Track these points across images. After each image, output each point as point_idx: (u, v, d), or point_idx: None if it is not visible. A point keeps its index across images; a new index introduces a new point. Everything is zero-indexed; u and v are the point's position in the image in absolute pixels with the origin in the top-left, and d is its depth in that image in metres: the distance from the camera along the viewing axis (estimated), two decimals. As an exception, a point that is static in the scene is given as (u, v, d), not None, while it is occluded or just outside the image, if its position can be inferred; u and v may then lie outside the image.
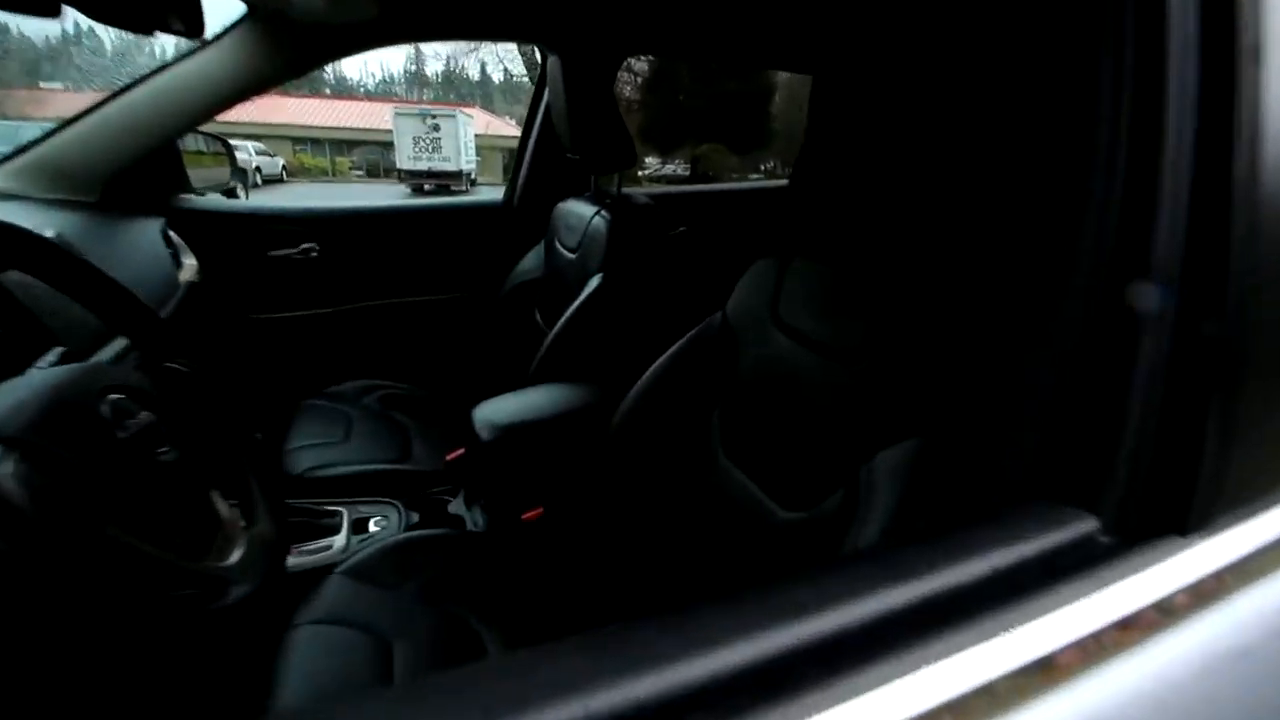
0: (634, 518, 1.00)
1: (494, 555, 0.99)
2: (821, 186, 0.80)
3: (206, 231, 1.49)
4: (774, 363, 0.84)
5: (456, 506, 1.18)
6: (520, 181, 1.80)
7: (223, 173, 1.76)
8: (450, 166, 14.08)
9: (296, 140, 20.58)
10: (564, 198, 1.56)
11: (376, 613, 0.85)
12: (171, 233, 1.45)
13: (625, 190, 1.47)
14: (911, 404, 0.66)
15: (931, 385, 0.64)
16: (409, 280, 1.75)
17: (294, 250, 1.58)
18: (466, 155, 14.76)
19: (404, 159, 14.46)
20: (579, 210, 1.44)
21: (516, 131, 1.85)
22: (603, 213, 1.35)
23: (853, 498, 0.68)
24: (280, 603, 0.83)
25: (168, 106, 1.39)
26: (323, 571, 0.98)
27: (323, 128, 20.78)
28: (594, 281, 1.30)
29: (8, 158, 1.30)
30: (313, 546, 1.02)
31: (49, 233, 1.00)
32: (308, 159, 20.33)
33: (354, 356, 1.66)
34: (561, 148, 1.46)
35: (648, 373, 1.01)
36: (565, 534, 1.06)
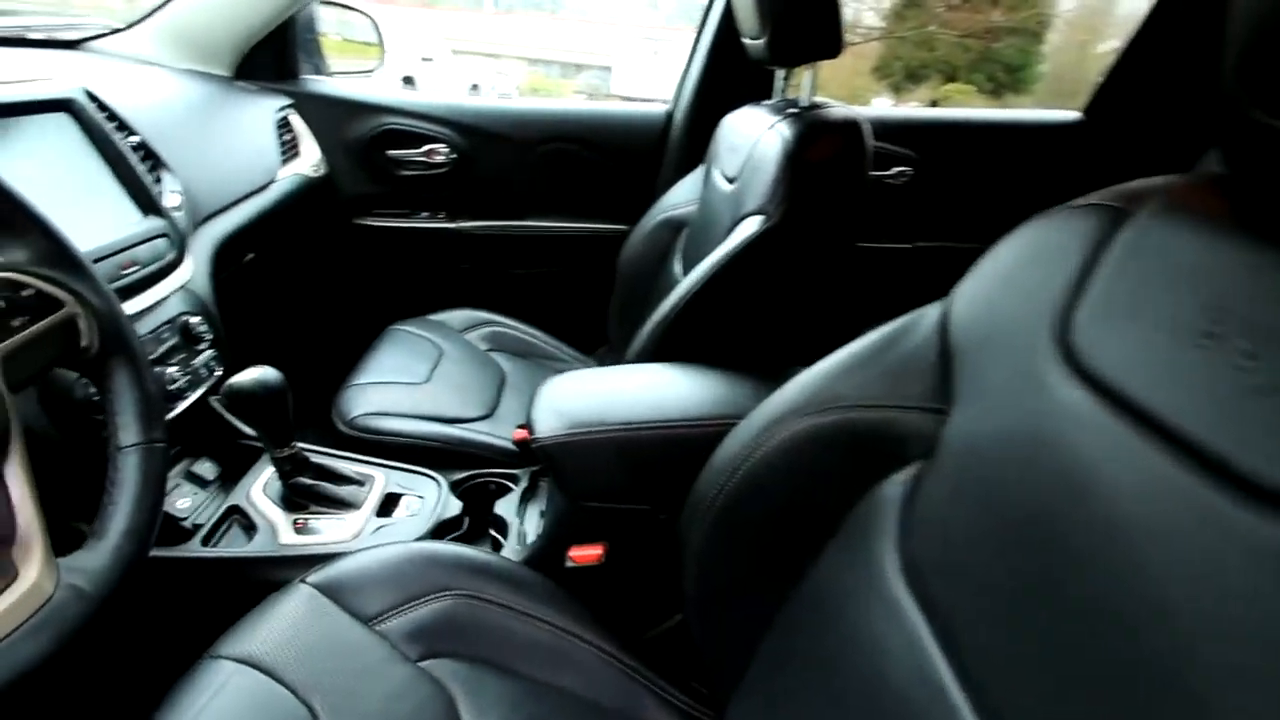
0: (721, 607, 0.63)
1: (523, 602, 0.70)
2: None
3: (328, 119, 1.33)
4: (1045, 442, 0.40)
5: (508, 506, 0.90)
6: (688, 87, 1.39)
7: (370, 62, 1.60)
8: (662, 94, 13.81)
9: (532, 61, 21.67)
10: (735, 108, 1.14)
11: (324, 658, 0.60)
12: (295, 118, 1.30)
13: (820, 99, 1.01)
14: None
15: None
16: (546, 201, 1.47)
17: (416, 151, 1.37)
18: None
19: (620, 84, 14.46)
20: (748, 123, 1.02)
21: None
22: (780, 127, 0.92)
23: None
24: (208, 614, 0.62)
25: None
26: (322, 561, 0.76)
27: (555, 50, 21.60)
28: (749, 225, 0.89)
29: (143, 18, 1.21)
30: (320, 522, 0.81)
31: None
32: (539, 81, 21.36)
33: (466, 283, 1.44)
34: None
35: (792, 384, 0.62)
36: (623, 596, 0.73)
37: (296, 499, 0.83)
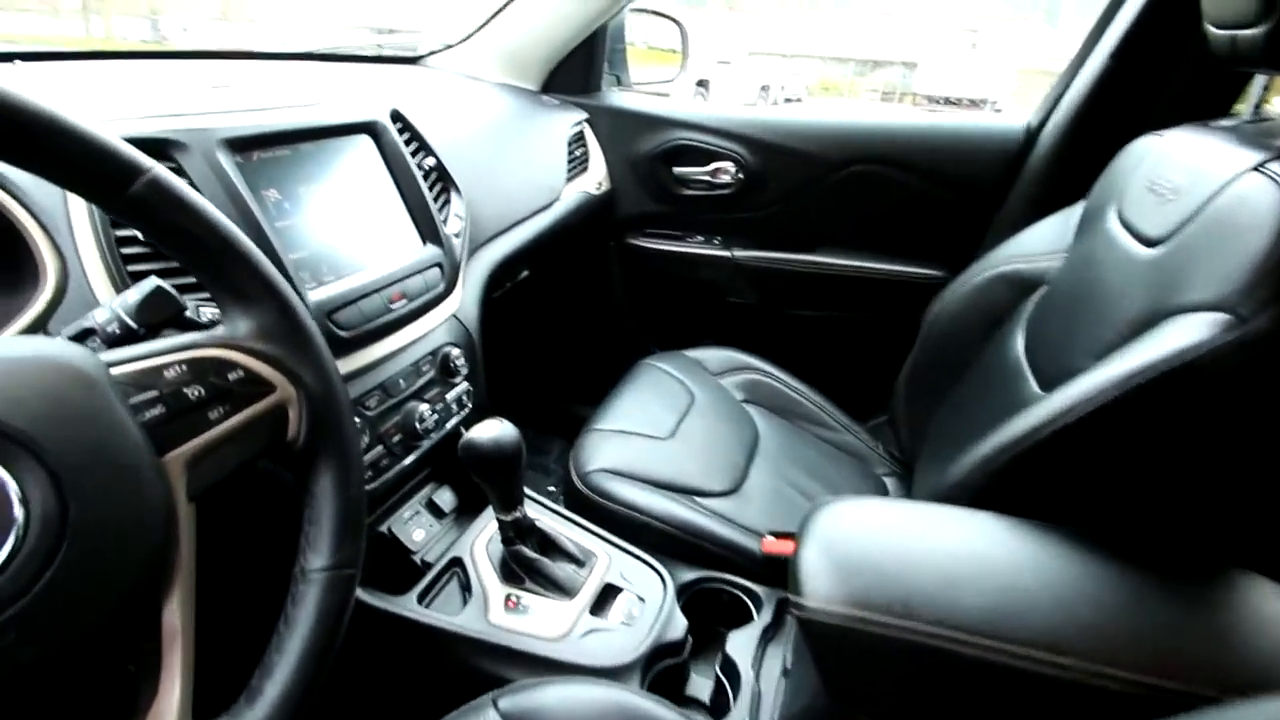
0: None
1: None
2: None
3: (619, 132, 1.25)
4: None
5: (742, 644, 0.70)
6: (1074, 93, 1.01)
7: (671, 70, 1.51)
8: (973, 92, 12.18)
9: (825, 59, 20.98)
10: (1158, 128, 0.77)
11: None
12: (588, 132, 1.26)
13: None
14: None
15: None
16: (842, 234, 1.23)
17: (702, 169, 1.23)
18: (1001, 80, 12.49)
19: (925, 82, 13.17)
20: (1197, 153, 0.66)
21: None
22: (1275, 168, 0.56)
23: None
24: None
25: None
26: (520, 663, 0.66)
27: (852, 47, 20.62)
28: (1195, 326, 0.54)
29: (473, 33, 1.26)
30: (533, 601, 0.70)
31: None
32: (830, 80, 20.57)
33: (732, 318, 1.26)
34: (1186, 18, 0.67)
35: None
36: None
37: (514, 567, 0.75)
